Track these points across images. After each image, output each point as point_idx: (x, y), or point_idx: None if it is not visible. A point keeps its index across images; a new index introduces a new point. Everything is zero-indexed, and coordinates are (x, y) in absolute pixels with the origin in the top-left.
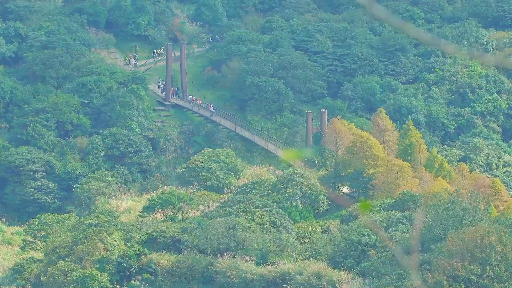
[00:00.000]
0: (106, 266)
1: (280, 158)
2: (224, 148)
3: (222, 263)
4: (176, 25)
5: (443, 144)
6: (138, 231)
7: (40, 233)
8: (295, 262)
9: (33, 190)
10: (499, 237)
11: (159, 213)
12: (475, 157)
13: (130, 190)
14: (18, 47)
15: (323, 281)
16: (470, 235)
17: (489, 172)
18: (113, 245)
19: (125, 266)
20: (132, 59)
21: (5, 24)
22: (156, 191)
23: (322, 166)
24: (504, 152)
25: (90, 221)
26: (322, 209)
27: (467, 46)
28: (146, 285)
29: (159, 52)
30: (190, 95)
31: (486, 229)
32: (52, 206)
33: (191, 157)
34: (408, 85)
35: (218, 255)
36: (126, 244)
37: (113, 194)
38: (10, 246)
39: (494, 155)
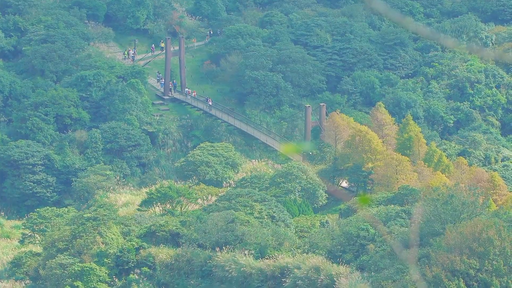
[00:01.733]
0: (105, 259)
1: (279, 152)
2: (223, 142)
3: (220, 257)
4: (175, 19)
5: (442, 138)
6: (137, 225)
7: (39, 226)
8: (293, 256)
9: (32, 183)
10: (497, 231)
11: (158, 207)
12: (474, 151)
13: (129, 184)
14: (17, 41)
15: (321, 275)
16: (468, 229)
17: (488, 166)
18: (112, 238)
19: (124, 260)
20: (131, 51)
21: (4, 18)
22: (154, 185)
23: (321, 160)
24: (503, 146)
25: (88, 215)
26: (321, 203)
27: (466, 41)
28: (144, 279)
29: (162, 45)
30: (186, 88)
31: (484, 223)
32: (51, 199)
33: (190, 151)
34: (407, 79)
35: (217, 249)
36: (124, 238)
37: (111, 187)
38: (8, 239)
39: (493, 149)
